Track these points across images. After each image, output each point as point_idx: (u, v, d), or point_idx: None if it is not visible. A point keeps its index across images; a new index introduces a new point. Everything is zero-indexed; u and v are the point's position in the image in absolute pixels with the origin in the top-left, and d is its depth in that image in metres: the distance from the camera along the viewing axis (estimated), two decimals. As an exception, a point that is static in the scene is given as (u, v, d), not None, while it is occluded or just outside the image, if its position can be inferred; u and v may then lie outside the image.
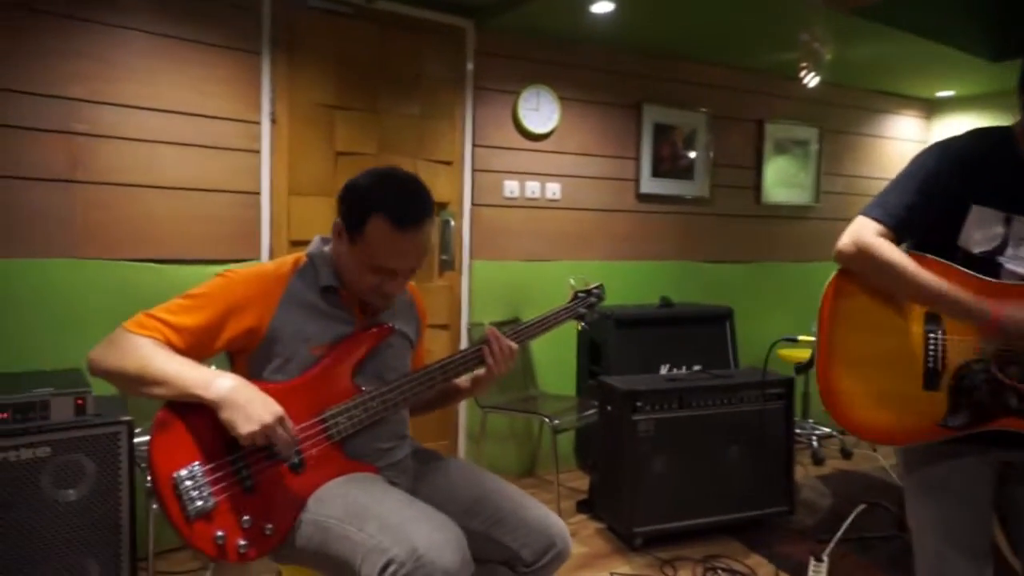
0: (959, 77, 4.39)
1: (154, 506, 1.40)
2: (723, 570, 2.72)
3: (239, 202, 2.96)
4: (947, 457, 1.49)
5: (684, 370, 3.72)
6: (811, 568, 2.57)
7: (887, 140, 5.00)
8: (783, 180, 4.55)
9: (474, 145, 3.52)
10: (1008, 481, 1.51)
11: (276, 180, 3.06)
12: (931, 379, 1.44)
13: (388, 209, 1.45)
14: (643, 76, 3.97)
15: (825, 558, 2.57)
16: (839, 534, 2.80)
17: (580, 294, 1.92)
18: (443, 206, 3.46)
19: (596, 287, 1.95)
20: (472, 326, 3.56)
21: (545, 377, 3.80)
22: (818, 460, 4.07)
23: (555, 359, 3.82)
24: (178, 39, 2.78)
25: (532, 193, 3.70)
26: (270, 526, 1.40)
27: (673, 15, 3.36)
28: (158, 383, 1.36)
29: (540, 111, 3.66)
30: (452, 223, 3.48)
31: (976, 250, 1.46)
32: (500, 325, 3.71)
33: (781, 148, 4.52)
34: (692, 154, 4.16)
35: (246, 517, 1.38)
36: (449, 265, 3.52)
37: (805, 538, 2.96)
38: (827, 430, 4.31)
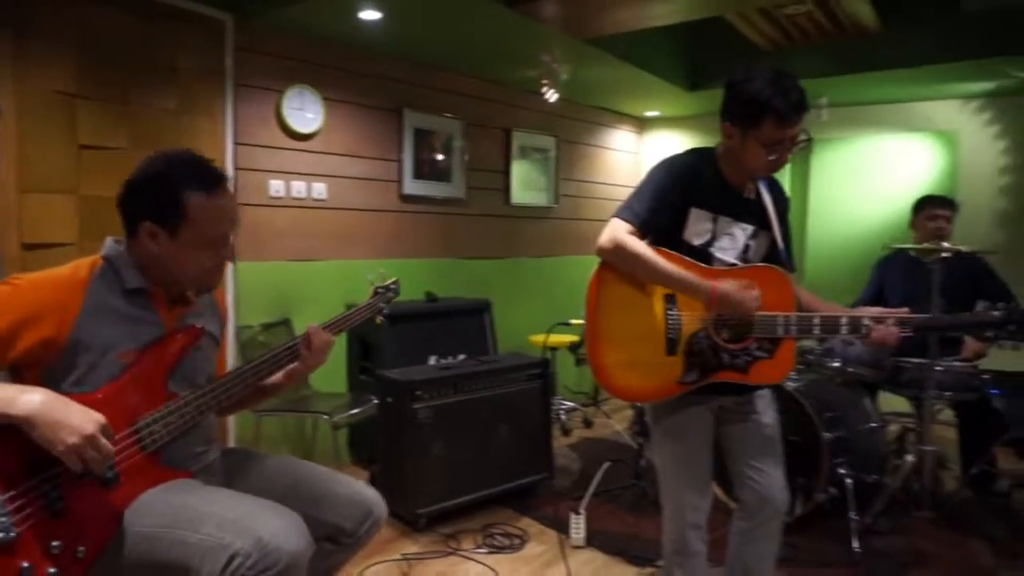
0: (663, 101, 5.27)
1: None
2: (500, 535, 3.03)
3: (-42, 200, 2.56)
4: (683, 407, 1.91)
5: (450, 360, 3.99)
6: (572, 521, 2.97)
7: (609, 150, 5.79)
8: (527, 183, 5.05)
9: (236, 143, 3.41)
10: (723, 422, 1.98)
11: (3, 175, 2.70)
12: (671, 347, 1.84)
13: (196, 183, 1.49)
14: (405, 82, 4.16)
15: (582, 511, 3.00)
16: (591, 490, 3.25)
17: (379, 290, 2.05)
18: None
19: (392, 283, 2.10)
20: (240, 329, 3.46)
21: (316, 376, 3.80)
22: (566, 431, 4.62)
23: (325, 358, 3.83)
24: None
25: (298, 193, 3.69)
26: (82, 548, 1.33)
27: (435, 28, 3.59)
28: None
29: (304, 111, 3.65)
30: (215, 223, 3.34)
31: (696, 242, 1.88)
32: (271, 327, 3.65)
33: (525, 154, 5.01)
34: (448, 158, 4.45)
35: (55, 543, 1.29)
36: (212, 267, 3.37)
37: (564, 497, 3.39)
38: (571, 404, 4.89)
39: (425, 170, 4.32)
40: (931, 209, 3.30)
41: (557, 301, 4.98)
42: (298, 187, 3.69)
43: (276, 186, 3.59)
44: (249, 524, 1.34)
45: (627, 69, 4.26)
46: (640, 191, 1.87)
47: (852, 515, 2.86)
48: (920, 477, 3.13)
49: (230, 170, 3.39)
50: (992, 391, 3.15)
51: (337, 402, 3.52)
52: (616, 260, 1.84)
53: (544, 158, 5.15)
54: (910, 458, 3.10)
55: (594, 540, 2.95)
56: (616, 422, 4.68)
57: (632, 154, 6.03)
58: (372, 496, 1.71)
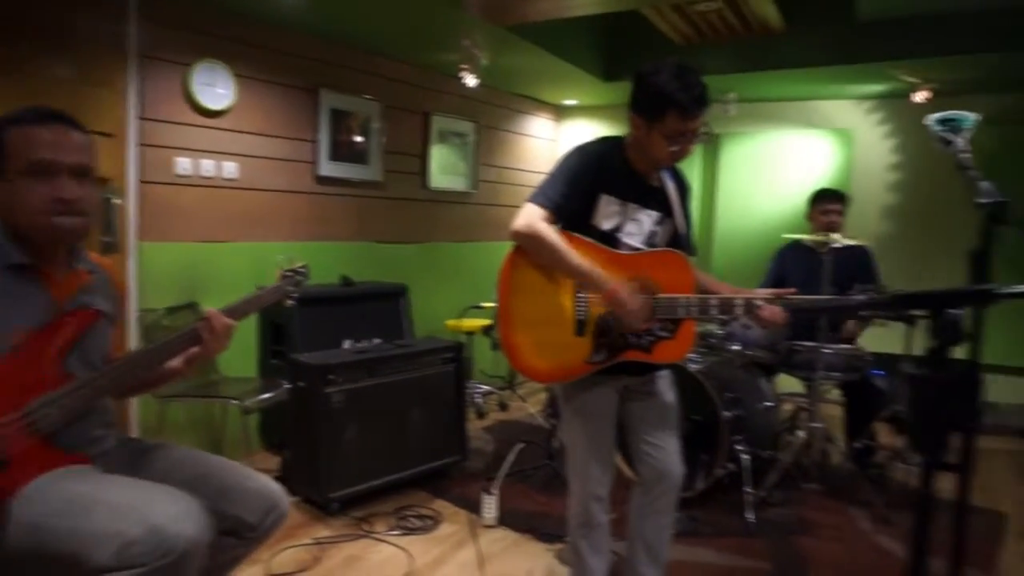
0: (580, 90, 5.36)
1: None
2: (413, 516, 3.05)
3: None
4: (590, 387, 1.98)
5: (365, 344, 3.95)
6: (484, 501, 3.03)
7: (527, 137, 5.85)
8: (446, 168, 5.04)
9: (140, 118, 3.26)
10: (626, 400, 2.07)
11: None
12: (580, 328, 1.91)
13: (19, 119, 1.45)
14: (322, 62, 4.07)
15: (494, 491, 3.06)
16: (504, 470, 3.32)
17: (287, 273, 2.02)
18: (104, 182, 3.15)
19: (301, 267, 2.06)
20: (143, 312, 3.32)
21: (224, 360, 3.71)
22: (481, 414, 4.67)
23: (233, 341, 3.74)
24: None
25: (207, 171, 3.57)
26: (-33, 537, 1.28)
27: (354, 7, 3.52)
28: None
29: (215, 86, 3.52)
30: (115, 201, 3.20)
31: (605, 227, 1.95)
32: (176, 310, 3.53)
33: (444, 139, 5.00)
34: (366, 140, 4.39)
35: None
36: (113, 247, 3.23)
37: (478, 479, 3.45)
38: (487, 388, 4.95)
39: (342, 152, 4.25)
40: (824, 203, 3.52)
41: (475, 286, 5.00)
42: (207, 166, 3.56)
43: (183, 164, 3.46)
44: (144, 511, 1.31)
45: (546, 57, 4.32)
46: (553, 177, 1.93)
47: (747, 489, 3.04)
48: (809, 452, 3.36)
49: (132, 146, 3.24)
50: (874, 371, 3.41)
51: (247, 387, 3.44)
52: (528, 246, 1.89)
53: (463, 143, 5.15)
54: (801, 434, 3.32)
55: (506, 519, 3.02)
56: (531, 405, 4.77)
57: (550, 141, 6.11)
58: (276, 490, 1.70)
